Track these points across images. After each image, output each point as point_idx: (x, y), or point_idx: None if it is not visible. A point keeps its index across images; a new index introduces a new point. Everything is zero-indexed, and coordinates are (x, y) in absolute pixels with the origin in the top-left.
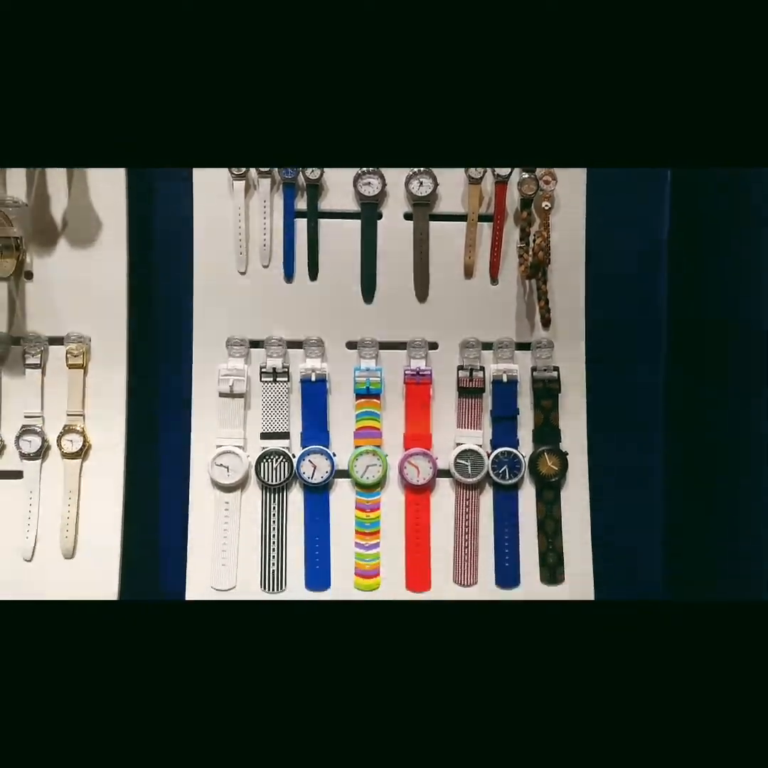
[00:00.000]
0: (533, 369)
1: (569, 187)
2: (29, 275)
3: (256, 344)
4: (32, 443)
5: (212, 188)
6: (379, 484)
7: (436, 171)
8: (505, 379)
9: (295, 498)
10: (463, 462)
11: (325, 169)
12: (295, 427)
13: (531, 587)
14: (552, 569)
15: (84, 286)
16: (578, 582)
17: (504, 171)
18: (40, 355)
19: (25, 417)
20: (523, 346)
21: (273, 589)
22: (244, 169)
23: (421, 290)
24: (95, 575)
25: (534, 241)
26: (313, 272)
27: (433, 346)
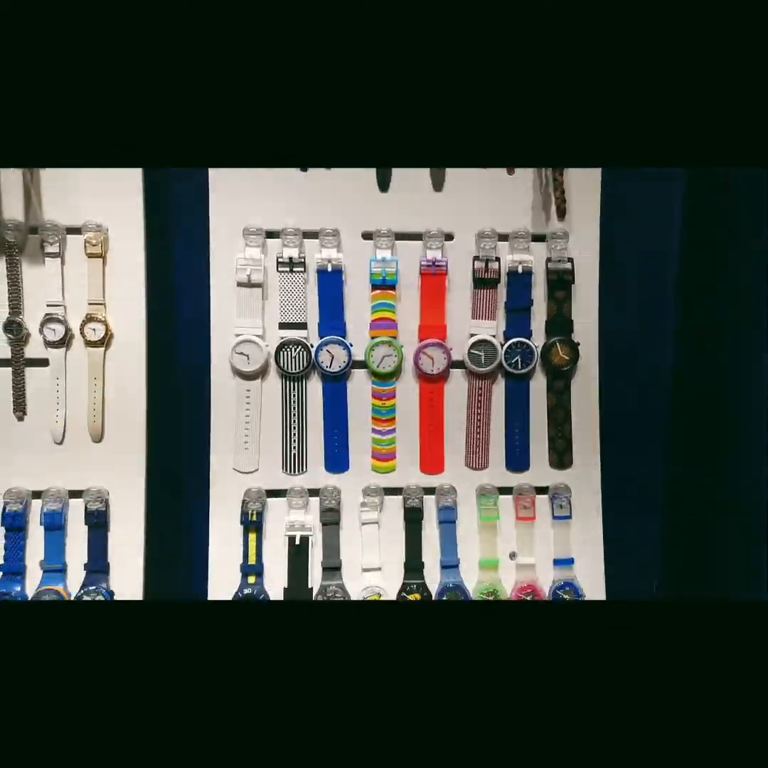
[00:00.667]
0: (548, 260)
1: None
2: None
3: (271, 235)
4: (56, 332)
5: None
6: (394, 374)
7: None
8: (520, 269)
9: (314, 386)
10: (476, 352)
11: None
12: (313, 318)
13: (540, 471)
14: (561, 455)
15: (99, 176)
16: (584, 468)
17: None
18: (58, 244)
19: (48, 305)
20: (539, 238)
21: (294, 471)
22: None
23: (437, 180)
24: (123, 458)
25: None
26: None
27: (449, 236)
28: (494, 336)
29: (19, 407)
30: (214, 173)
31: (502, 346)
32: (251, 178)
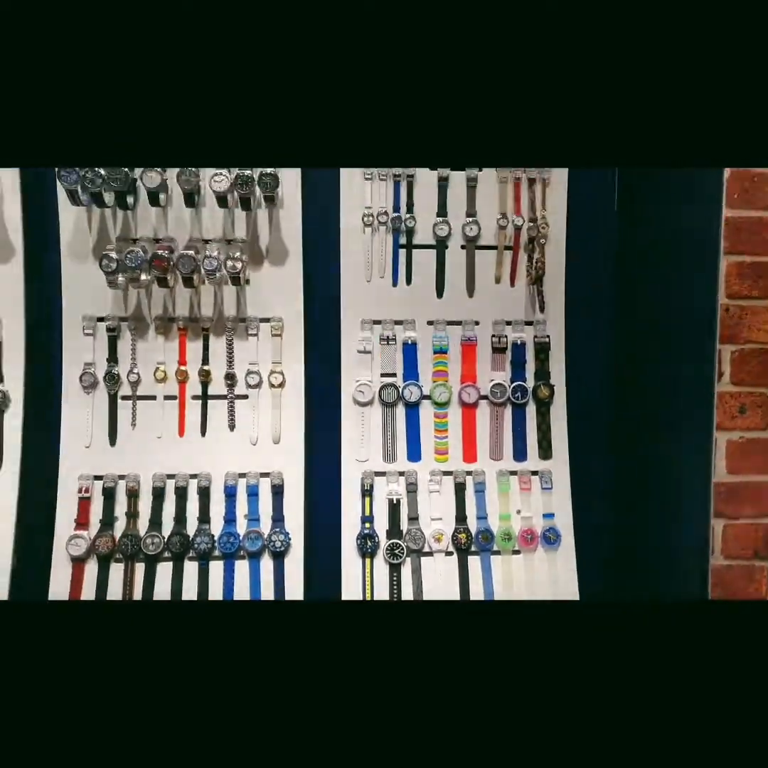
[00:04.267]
0: (535, 336)
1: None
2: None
3: (377, 322)
4: (255, 379)
5: (354, 233)
6: (447, 403)
7: (480, 220)
8: (519, 342)
9: (400, 411)
10: (495, 390)
11: (416, 219)
12: (400, 370)
13: (533, 461)
14: (545, 451)
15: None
16: (559, 460)
17: (519, 221)
18: (256, 328)
19: (250, 363)
20: (529, 323)
21: (390, 460)
22: (372, 219)
23: (470, 289)
24: (290, 452)
25: (536, 263)
26: (408, 280)
27: (477, 322)
28: (504, 381)
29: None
30: (345, 279)
31: (509, 387)
32: (364, 289)
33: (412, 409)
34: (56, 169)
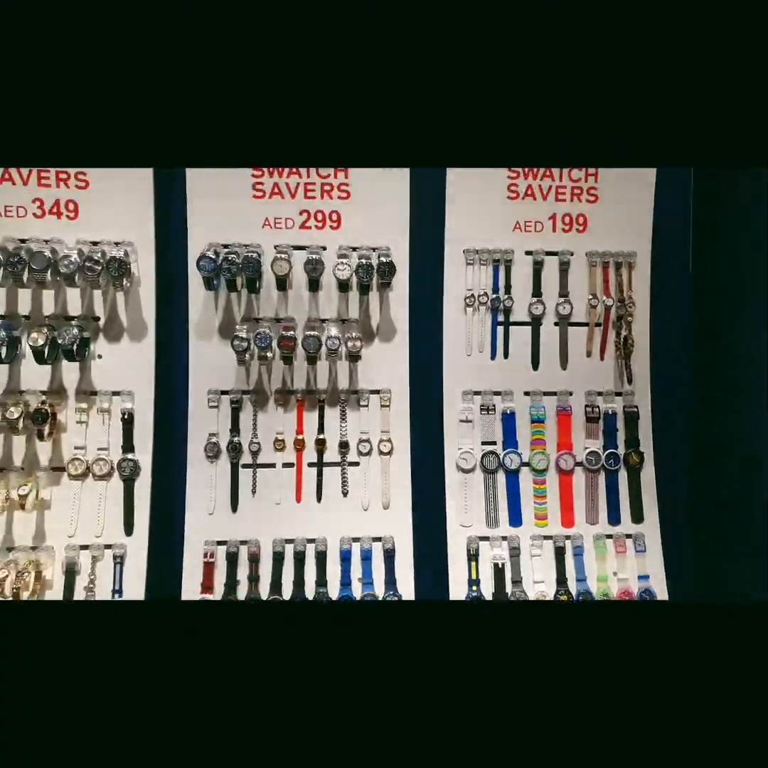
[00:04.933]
0: (624, 406)
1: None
2: None
3: (477, 393)
4: (366, 447)
5: (456, 311)
6: (545, 470)
7: (571, 300)
8: (610, 411)
9: (501, 478)
10: (590, 458)
11: (513, 299)
12: (499, 438)
13: (626, 525)
14: (637, 515)
15: None
16: (650, 523)
17: (609, 301)
18: (367, 400)
19: (361, 432)
20: (618, 394)
21: (493, 525)
22: (473, 299)
23: (563, 363)
24: (398, 518)
25: (625, 339)
26: (506, 354)
27: (570, 393)
28: (598, 448)
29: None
30: (447, 359)
31: (603, 454)
32: (466, 363)
33: (513, 475)
34: (196, 259)
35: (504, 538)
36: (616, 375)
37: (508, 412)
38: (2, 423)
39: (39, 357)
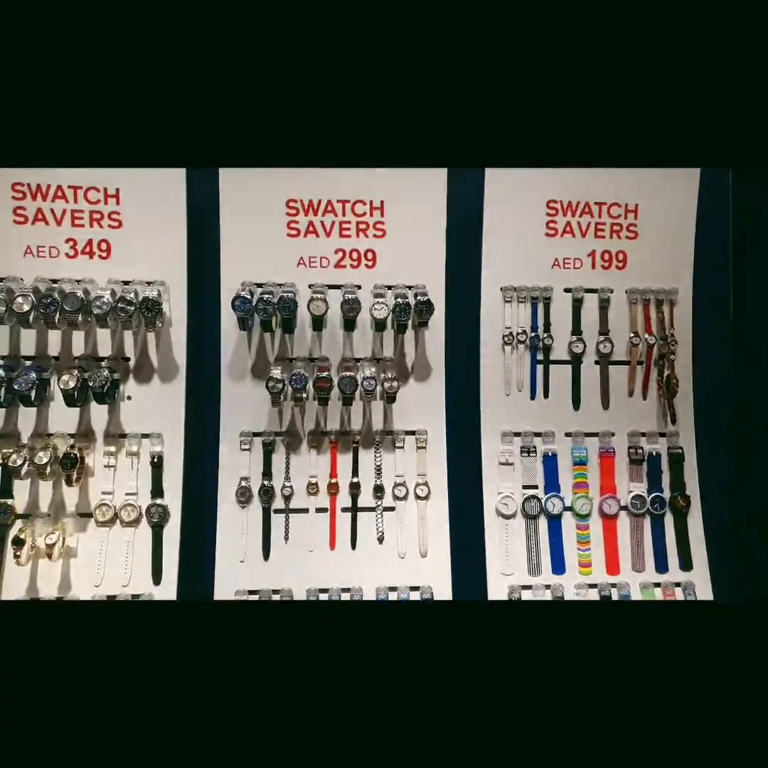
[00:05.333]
0: (669, 447)
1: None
2: None
3: (517, 434)
4: (402, 491)
5: (494, 350)
6: (589, 515)
7: (611, 337)
8: (654, 453)
9: (542, 523)
10: (635, 502)
11: (553, 338)
12: (541, 482)
13: (674, 572)
14: (686, 562)
15: None
16: (700, 570)
17: (651, 339)
18: (402, 441)
19: (396, 476)
20: (662, 435)
21: (535, 573)
22: (512, 338)
23: (605, 403)
24: (437, 566)
25: (669, 378)
26: (546, 394)
27: (612, 433)
28: (643, 492)
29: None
30: (484, 395)
31: (648, 498)
32: (503, 400)
33: (555, 521)
34: (229, 299)
35: (547, 586)
36: (660, 415)
37: (550, 454)
38: (30, 468)
39: (69, 400)
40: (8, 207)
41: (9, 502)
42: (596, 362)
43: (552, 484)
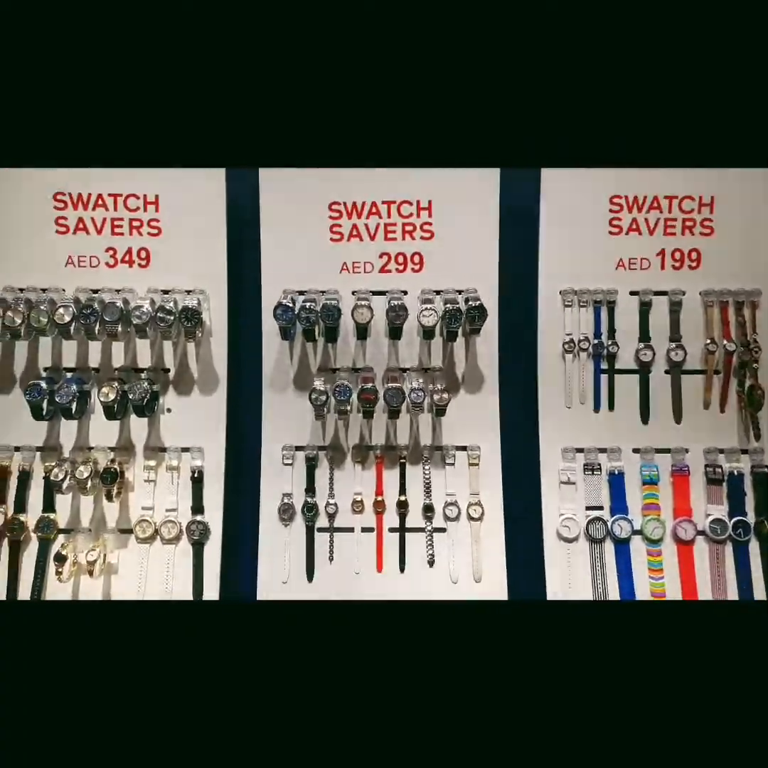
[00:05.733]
0: (753, 466)
1: None
2: None
3: (579, 450)
4: (453, 511)
5: (553, 359)
6: (661, 540)
7: (684, 344)
8: (736, 472)
9: (609, 548)
10: (714, 526)
11: (619, 345)
12: (606, 503)
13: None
14: None
15: None
16: None
17: (730, 346)
18: (453, 457)
19: (447, 494)
20: (744, 451)
21: (602, 596)
22: (573, 345)
23: (677, 416)
24: (492, 592)
25: (753, 389)
26: (611, 406)
27: (686, 450)
28: (723, 515)
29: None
30: (543, 407)
31: (729, 522)
32: (565, 414)
33: (623, 545)
34: (271, 307)
35: None
36: (741, 429)
37: (616, 472)
38: (71, 482)
39: (109, 413)
40: (51, 217)
41: (51, 516)
42: (667, 371)
43: (619, 505)
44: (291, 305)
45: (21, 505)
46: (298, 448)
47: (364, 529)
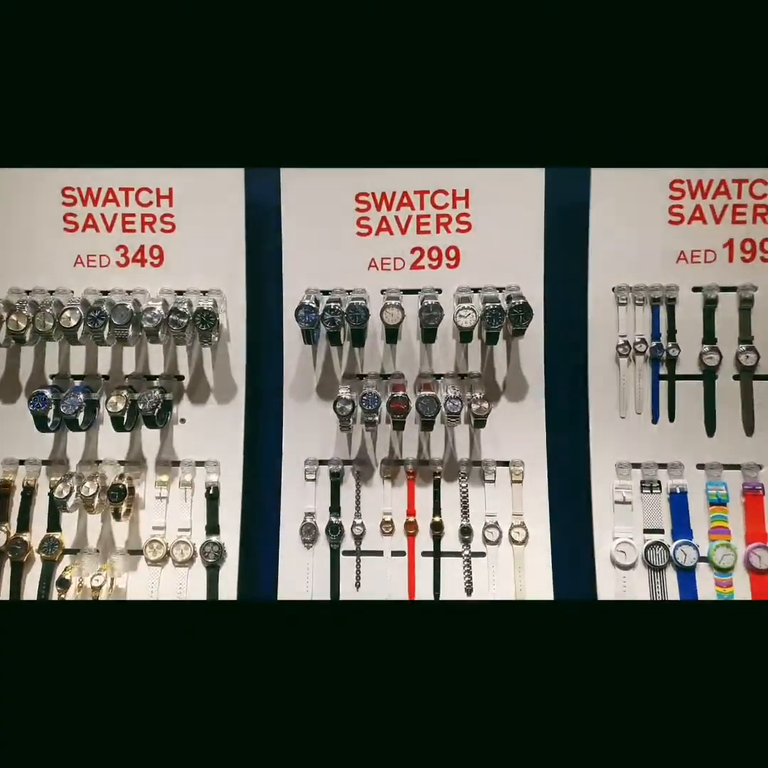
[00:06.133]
0: None
1: None
2: None
3: (636, 466)
4: (494, 534)
5: (605, 363)
6: (732, 568)
7: (757, 347)
8: None
9: (671, 577)
10: None
11: (680, 348)
12: (667, 526)
13: None
14: None
15: None
16: None
17: None
18: (493, 474)
19: (487, 515)
20: None
21: None
22: (628, 348)
23: (748, 427)
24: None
25: None
26: (671, 416)
27: (759, 466)
28: None
29: None
30: (594, 417)
31: None
32: (622, 426)
33: (687, 574)
34: (293, 309)
35: None
36: None
37: (678, 490)
38: (77, 499)
39: (118, 424)
40: (59, 214)
41: (57, 536)
42: (736, 377)
43: (682, 528)
44: (314, 306)
45: (25, 524)
46: (322, 463)
47: (395, 553)
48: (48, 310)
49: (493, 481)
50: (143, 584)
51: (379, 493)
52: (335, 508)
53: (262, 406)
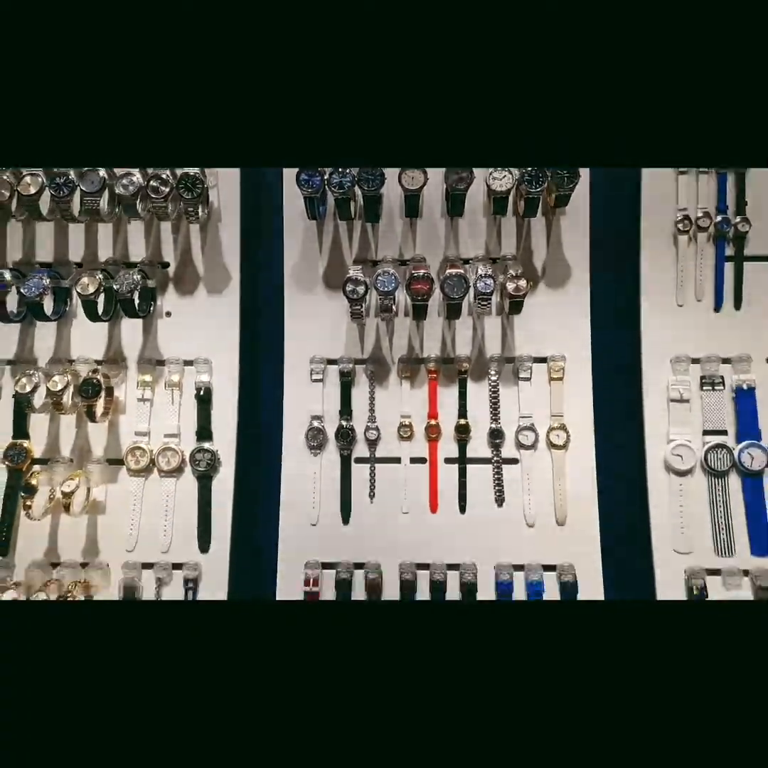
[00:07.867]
0: None
1: None
2: None
3: (695, 360)
4: (529, 437)
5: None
6: None
7: None
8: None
9: (735, 482)
10: None
11: (750, 223)
12: (731, 427)
13: None
14: None
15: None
16: None
17: None
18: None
19: (521, 417)
20: None
21: (725, 554)
22: (689, 224)
23: None
24: (580, 538)
25: None
26: (738, 304)
27: None
28: None
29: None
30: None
31: None
32: (680, 316)
33: (754, 480)
34: (295, 172)
35: (745, 572)
36: None
37: (745, 387)
38: (46, 399)
39: (90, 311)
40: None
41: (24, 443)
42: None
43: (749, 429)
44: (318, 169)
45: None
46: (331, 362)
47: (414, 460)
48: (4, 177)
49: (529, 379)
50: (125, 497)
51: (397, 395)
52: (346, 411)
53: (259, 296)
